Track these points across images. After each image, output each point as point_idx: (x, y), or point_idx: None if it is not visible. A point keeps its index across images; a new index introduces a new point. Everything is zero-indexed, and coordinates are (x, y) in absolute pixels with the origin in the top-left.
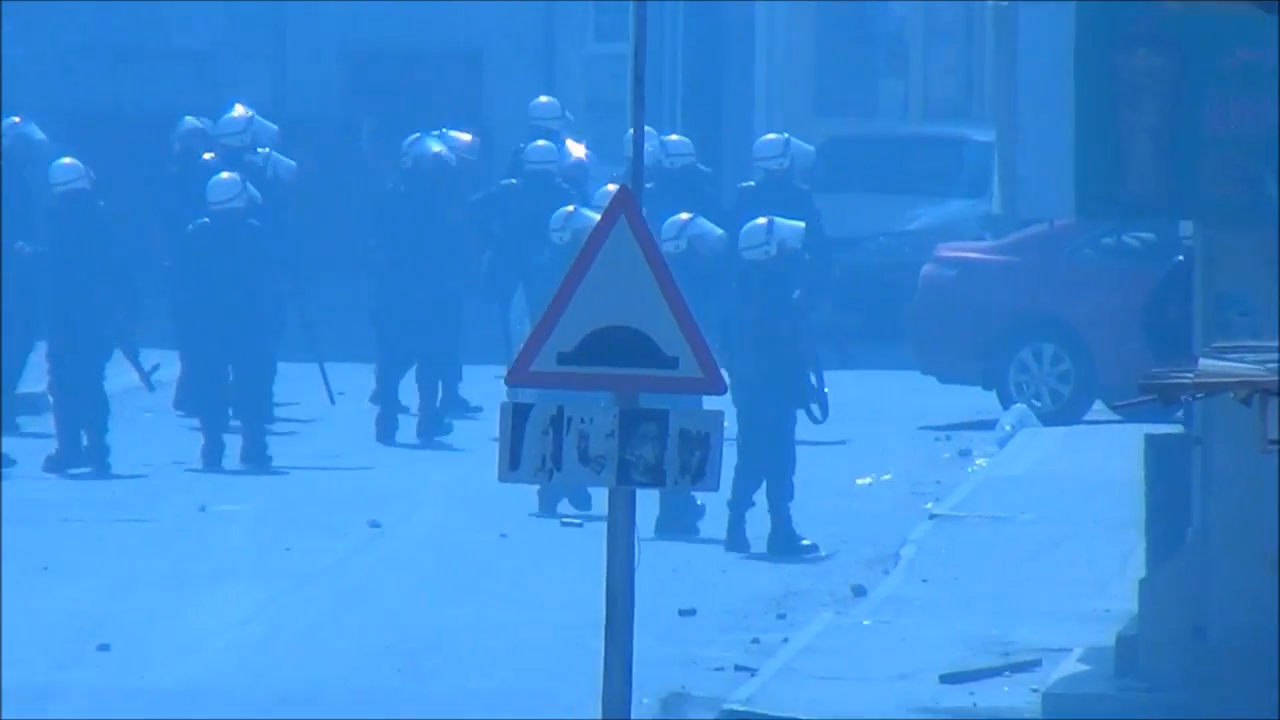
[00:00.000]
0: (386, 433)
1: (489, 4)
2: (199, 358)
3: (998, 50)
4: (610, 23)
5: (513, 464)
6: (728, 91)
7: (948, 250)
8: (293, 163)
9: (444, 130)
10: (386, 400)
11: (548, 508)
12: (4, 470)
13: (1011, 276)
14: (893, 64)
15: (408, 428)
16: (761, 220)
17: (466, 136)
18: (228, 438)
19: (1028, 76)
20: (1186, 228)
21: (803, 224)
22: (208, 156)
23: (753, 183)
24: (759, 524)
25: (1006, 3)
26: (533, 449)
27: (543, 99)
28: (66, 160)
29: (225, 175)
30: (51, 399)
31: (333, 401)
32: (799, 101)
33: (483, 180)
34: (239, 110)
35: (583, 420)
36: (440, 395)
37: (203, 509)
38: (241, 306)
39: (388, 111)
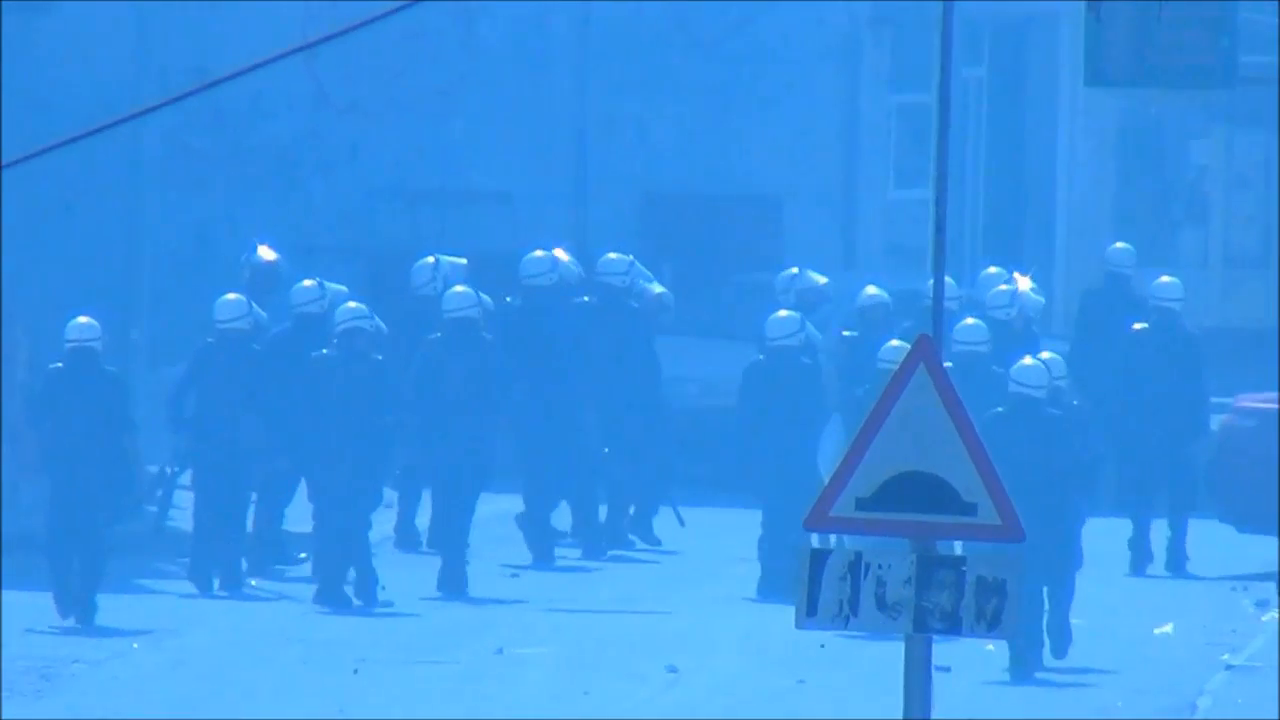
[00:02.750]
0: (773, 592)
1: (789, 149)
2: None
3: None
4: (911, 168)
5: (810, 610)
6: (1028, 239)
7: (1248, 400)
8: (667, 292)
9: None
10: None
11: None
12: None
13: None
14: (1192, 212)
15: (699, 572)
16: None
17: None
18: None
19: None
20: None
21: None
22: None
23: (1146, 324)
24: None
25: None
26: (830, 595)
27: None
28: (351, 304)
29: (783, 314)
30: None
31: (682, 524)
32: (1099, 250)
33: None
34: (613, 255)
35: (880, 566)
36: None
37: (500, 651)
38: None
39: (687, 254)
